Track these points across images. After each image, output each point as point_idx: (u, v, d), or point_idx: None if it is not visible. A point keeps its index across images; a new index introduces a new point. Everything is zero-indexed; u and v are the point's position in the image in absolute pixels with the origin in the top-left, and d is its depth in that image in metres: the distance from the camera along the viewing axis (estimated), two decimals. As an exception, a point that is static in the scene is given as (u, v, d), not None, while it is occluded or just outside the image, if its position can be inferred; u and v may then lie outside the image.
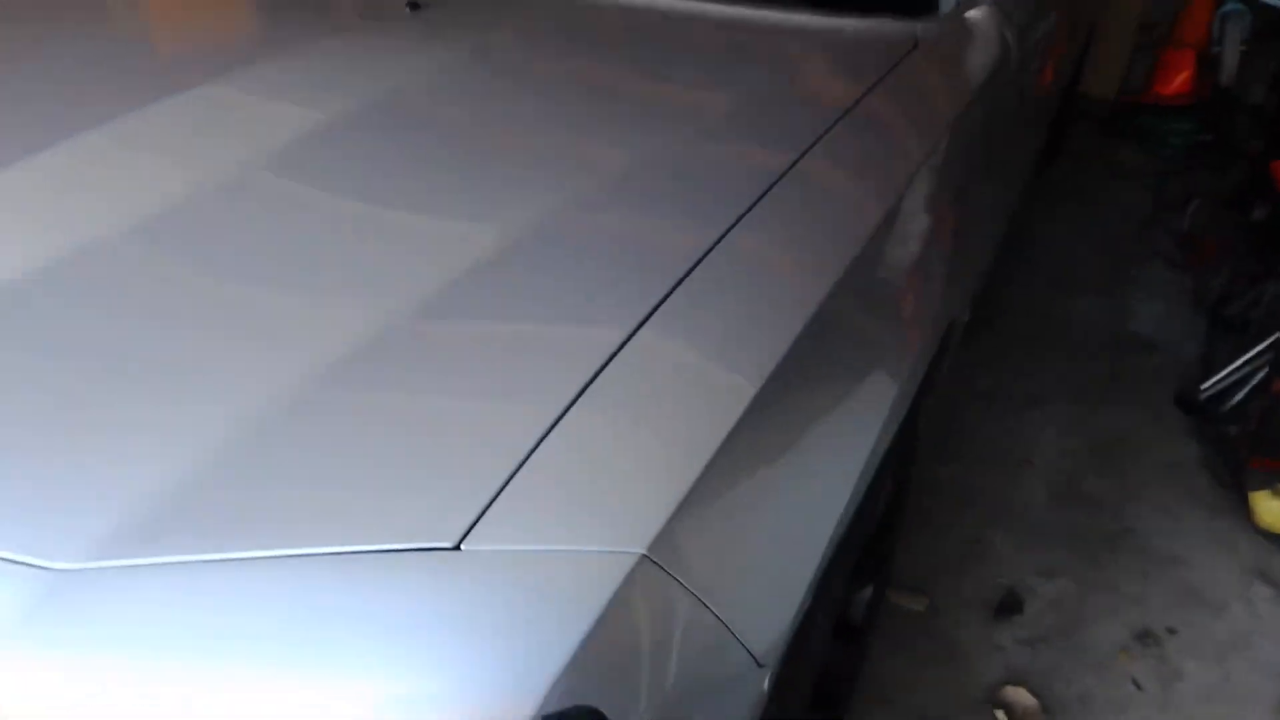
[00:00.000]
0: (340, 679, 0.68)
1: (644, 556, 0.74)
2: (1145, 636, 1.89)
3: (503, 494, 0.75)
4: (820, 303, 0.98)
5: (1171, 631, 1.91)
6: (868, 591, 1.60)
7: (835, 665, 1.50)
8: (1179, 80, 4.25)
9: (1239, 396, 2.38)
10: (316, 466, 0.76)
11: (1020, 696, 1.73)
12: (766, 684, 0.91)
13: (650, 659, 0.76)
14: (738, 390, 0.87)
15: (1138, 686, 1.80)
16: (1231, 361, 2.46)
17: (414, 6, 1.62)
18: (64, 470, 0.73)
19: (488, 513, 0.74)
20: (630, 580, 0.73)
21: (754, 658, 0.85)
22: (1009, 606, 1.94)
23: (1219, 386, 2.45)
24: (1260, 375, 2.33)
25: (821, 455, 0.95)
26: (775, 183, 1.13)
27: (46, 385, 0.80)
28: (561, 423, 0.80)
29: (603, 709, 0.72)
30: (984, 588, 1.98)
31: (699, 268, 0.97)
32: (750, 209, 1.08)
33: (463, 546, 0.72)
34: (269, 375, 0.80)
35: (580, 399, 0.82)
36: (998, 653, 1.84)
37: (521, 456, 0.77)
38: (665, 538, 0.76)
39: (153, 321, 0.86)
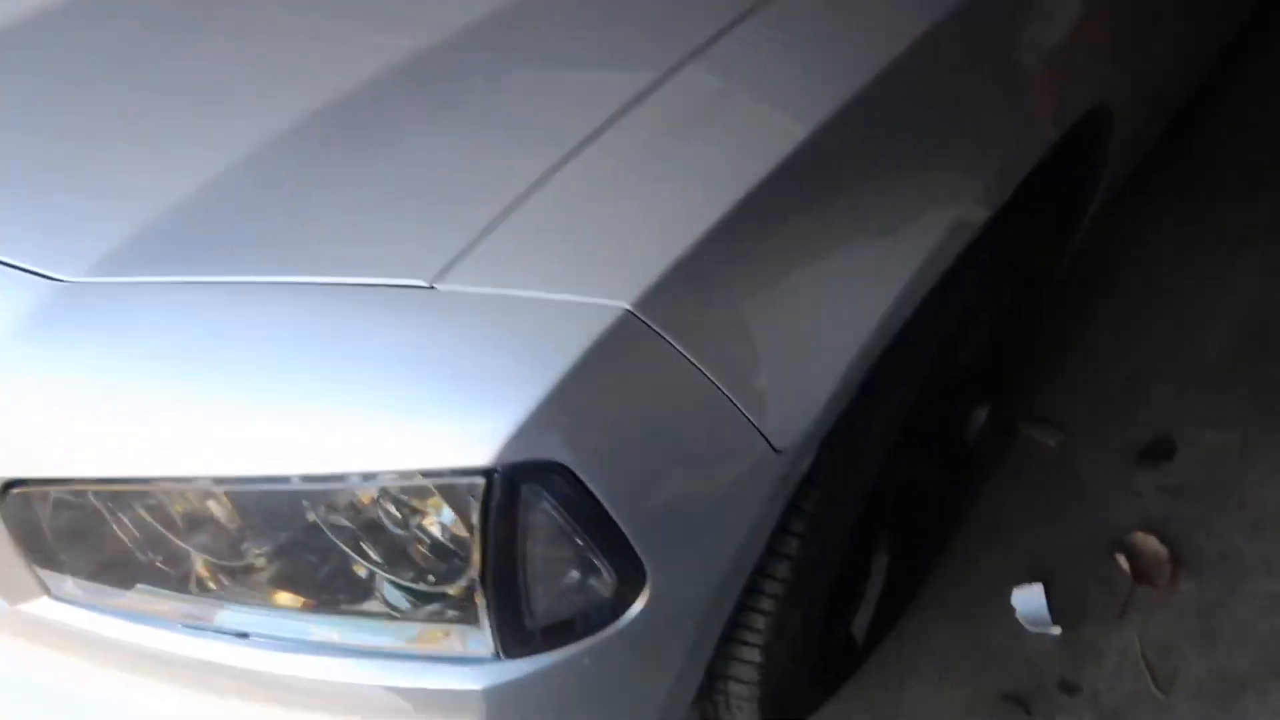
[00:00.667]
0: (309, 408, 0.68)
1: (629, 311, 0.70)
2: (1317, 499, 1.68)
3: (488, 235, 0.72)
4: (899, 54, 0.86)
5: (1351, 497, 1.69)
6: (981, 412, 1.49)
7: (929, 483, 1.42)
8: None
9: None
10: (310, 201, 0.75)
11: (1149, 544, 1.60)
12: (794, 472, 0.86)
13: (638, 424, 0.73)
14: (776, 141, 0.79)
15: (1294, 550, 1.61)
16: None
17: None
18: (72, 191, 0.76)
19: (470, 253, 0.71)
20: (612, 334, 0.69)
21: (768, 441, 0.80)
22: (1158, 452, 1.77)
23: None
24: None
25: (874, 232, 0.85)
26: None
27: (63, 113, 0.83)
28: (567, 165, 0.75)
29: (575, 468, 0.70)
30: (1133, 431, 1.81)
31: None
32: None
33: (438, 286, 0.70)
34: (271, 111, 0.79)
35: (593, 141, 0.76)
36: (1134, 498, 1.69)
37: (515, 198, 0.73)
38: (659, 294, 0.71)
39: (164, 58, 0.87)
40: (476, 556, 0.71)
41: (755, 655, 1.02)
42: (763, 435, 0.80)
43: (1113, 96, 1.22)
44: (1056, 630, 1.49)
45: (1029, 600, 1.52)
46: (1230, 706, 1.43)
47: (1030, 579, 1.57)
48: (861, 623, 1.33)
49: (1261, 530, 1.64)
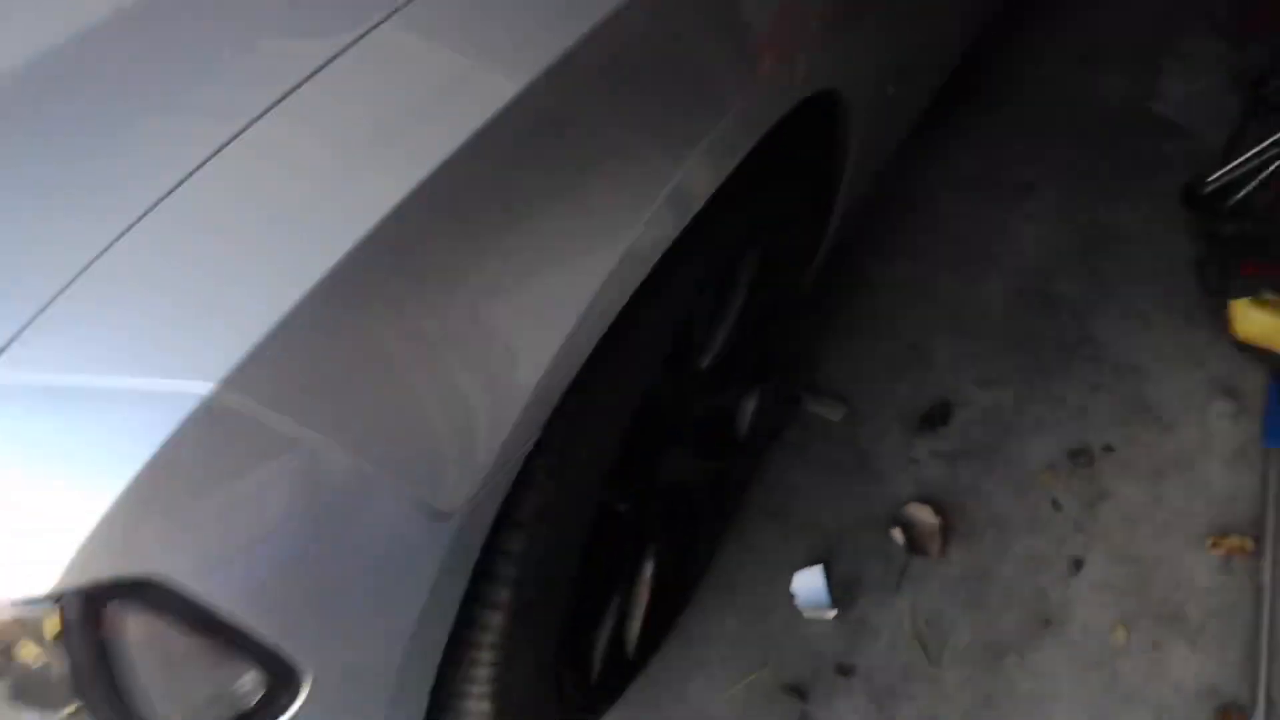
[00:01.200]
0: None
1: (216, 391, 0.61)
2: (1079, 454, 1.75)
3: (47, 311, 0.61)
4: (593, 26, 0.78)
5: (1109, 449, 1.76)
6: (749, 401, 1.47)
7: (698, 483, 1.39)
8: None
9: (1245, 191, 2.10)
10: None
11: (922, 514, 1.63)
12: (473, 527, 0.79)
13: (246, 512, 0.65)
14: (407, 164, 0.70)
15: (1056, 507, 1.68)
16: (1249, 149, 2.15)
17: None
18: None
19: (23, 334, 0.60)
20: (198, 421, 0.60)
21: (430, 505, 0.73)
22: (934, 417, 1.80)
23: (1227, 178, 2.16)
24: (1273, 168, 2.03)
25: (564, 232, 0.78)
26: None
27: None
28: (145, 219, 0.64)
29: (171, 576, 0.61)
30: (914, 397, 1.84)
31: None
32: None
33: (-12, 377, 0.59)
34: None
35: (182, 186, 0.66)
36: (912, 466, 1.72)
37: (83, 264, 0.62)
38: (258, 362, 0.62)
39: None
40: (69, 687, 0.62)
41: (485, 705, 0.97)
42: (421, 500, 0.73)
43: (844, 84, 1.18)
44: (832, 614, 1.51)
45: (808, 585, 1.53)
46: (995, 670, 1.48)
47: (812, 561, 1.58)
48: (631, 634, 1.30)
49: (1025, 490, 1.70)
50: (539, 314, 0.78)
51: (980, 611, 1.54)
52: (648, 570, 1.29)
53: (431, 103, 0.73)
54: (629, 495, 1.19)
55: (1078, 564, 1.60)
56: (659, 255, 0.88)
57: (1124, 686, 1.47)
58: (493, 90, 0.73)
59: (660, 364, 1.02)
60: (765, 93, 1.00)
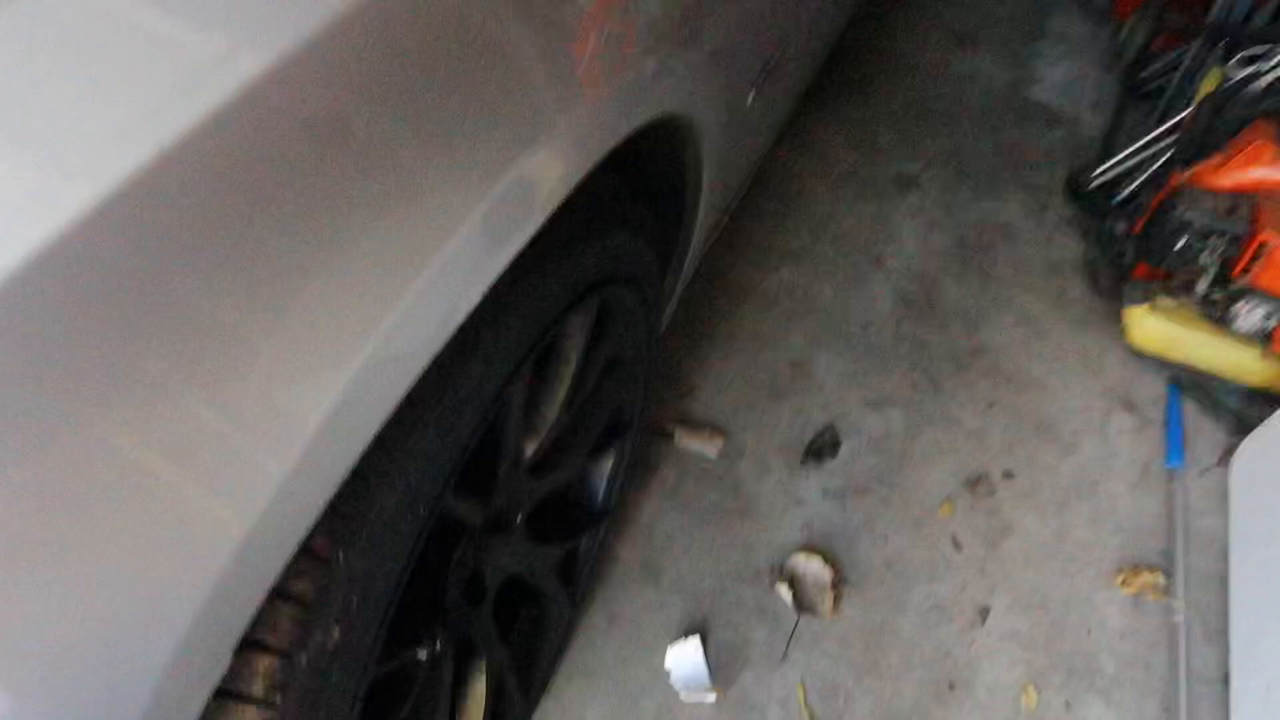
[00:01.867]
0: None
1: None
2: (978, 483, 1.59)
3: None
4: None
5: (1009, 476, 1.61)
6: (604, 466, 1.23)
7: (544, 563, 1.15)
8: None
9: (1132, 187, 1.98)
10: None
11: (811, 566, 1.43)
12: None
13: None
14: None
15: (957, 546, 1.51)
16: (1132, 142, 2.04)
17: None
18: None
19: None
20: None
21: None
22: (821, 448, 1.61)
23: (1114, 172, 2.04)
24: (1159, 163, 1.92)
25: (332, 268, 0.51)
26: None
27: None
28: None
29: None
30: (798, 425, 1.64)
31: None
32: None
33: None
34: None
35: None
36: (798, 508, 1.52)
37: None
38: None
39: None
40: None
41: None
42: None
43: (692, 106, 0.95)
44: (711, 698, 1.29)
45: (684, 661, 1.31)
46: (897, 748, 1.30)
47: (688, 630, 1.36)
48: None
49: (922, 528, 1.52)
50: (236, 445, 0.51)
51: (878, 679, 1.35)
52: (478, 687, 1.04)
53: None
54: (431, 635, 0.92)
55: (983, 613, 1.43)
56: (440, 342, 0.62)
57: (1038, 756, 1.31)
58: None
59: (446, 483, 0.76)
60: (591, 120, 0.75)
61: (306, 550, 0.61)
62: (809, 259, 1.94)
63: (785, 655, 1.35)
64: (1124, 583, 1.47)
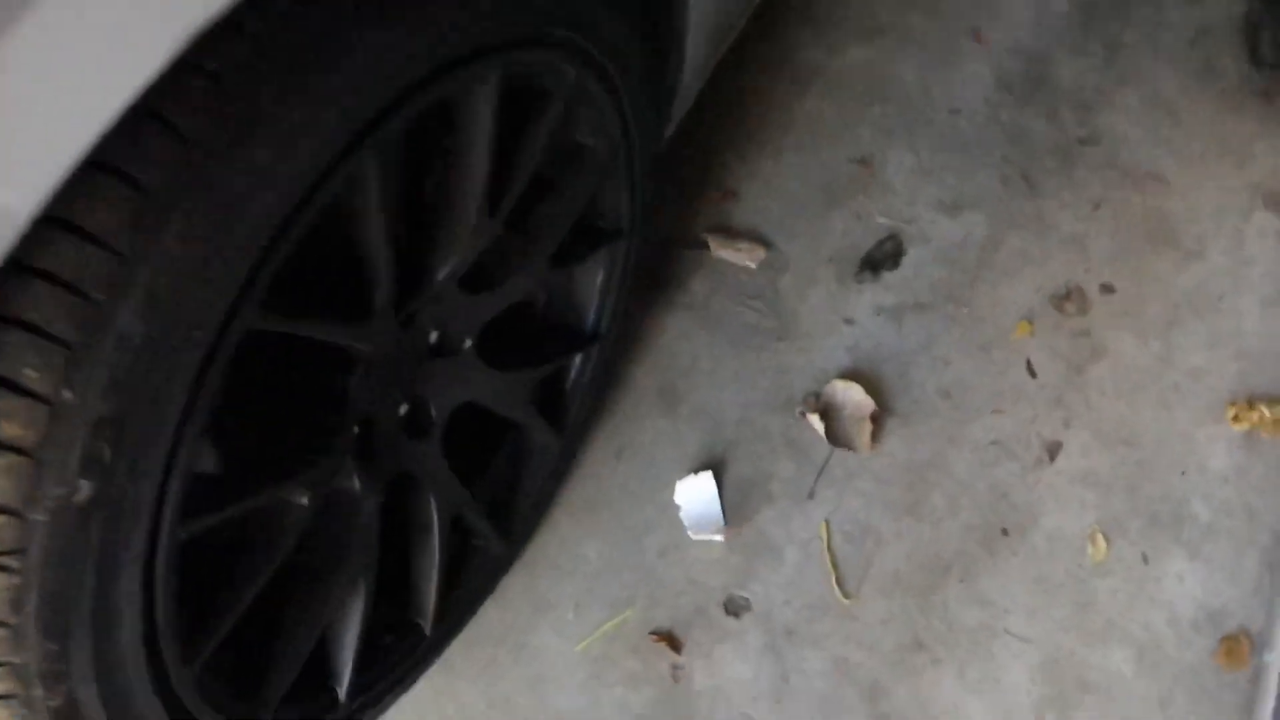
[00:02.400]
0: None
1: None
2: (1067, 298, 1.35)
3: None
4: None
5: (1108, 290, 1.35)
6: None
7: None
8: None
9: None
10: None
11: (851, 394, 1.26)
12: None
13: None
14: None
15: (1031, 373, 1.29)
16: None
17: None
18: None
19: None
20: None
21: None
22: (880, 259, 1.39)
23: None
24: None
25: None
26: None
27: None
28: None
29: None
30: (856, 233, 1.42)
31: None
32: None
33: None
34: None
35: None
36: (846, 328, 1.33)
37: None
38: None
39: None
40: None
41: None
42: None
43: None
44: (719, 537, 1.17)
45: (695, 495, 1.19)
46: (930, 600, 1.15)
47: (707, 461, 1.23)
48: (422, 605, 0.98)
49: (992, 350, 1.31)
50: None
51: (917, 521, 1.19)
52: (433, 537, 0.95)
53: None
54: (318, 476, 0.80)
55: (1053, 450, 1.23)
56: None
57: (1099, 616, 1.13)
58: None
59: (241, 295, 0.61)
60: None
61: (8, 384, 0.49)
62: (892, 34, 1.64)
63: (812, 493, 1.21)
64: (1236, 417, 1.23)
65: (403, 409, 0.91)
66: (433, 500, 0.95)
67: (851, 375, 1.28)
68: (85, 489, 0.53)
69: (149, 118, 0.51)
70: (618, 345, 1.21)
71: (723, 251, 1.40)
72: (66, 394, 0.51)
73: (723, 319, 1.35)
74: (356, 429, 0.84)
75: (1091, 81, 1.56)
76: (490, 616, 1.14)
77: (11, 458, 0.50)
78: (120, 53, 0.46)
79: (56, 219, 0.49)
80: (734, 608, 1.14)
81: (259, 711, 0.82)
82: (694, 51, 1.08)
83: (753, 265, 1.39)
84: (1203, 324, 1.32)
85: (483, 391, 0.98)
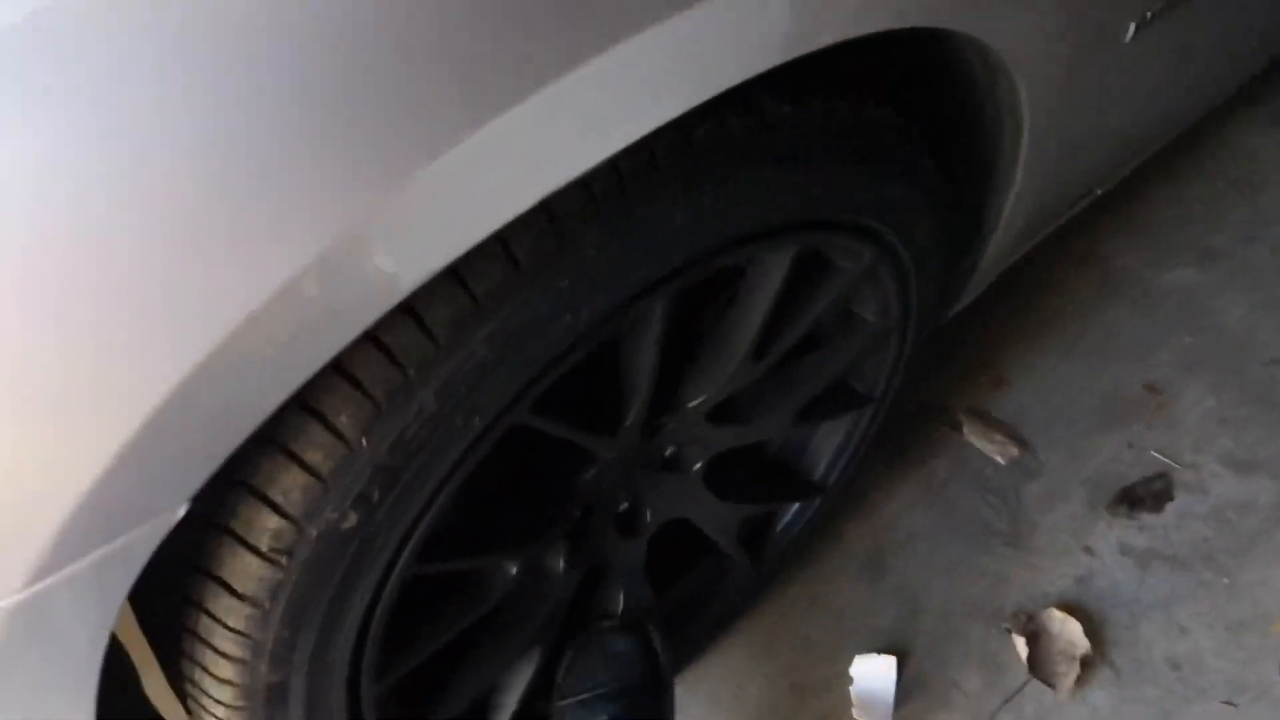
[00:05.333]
0: None
1: None
2: (1352, 607, 1.19)
3: None
4: None
5: (1405, 614, 1.18)
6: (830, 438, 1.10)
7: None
8: None
9: None
10: None
11: (1067, 628, 1.18)
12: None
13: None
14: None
15: (1283, 675, 1.15)
16: None
17: None
18: None
19: None
20: None
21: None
22: (1140, 497, 1.30)
23: None
24: None
25: None
26: None
27: None
28: None
29: None
30: (1124, 460, 1.34)
31: None
32: None
33: None
34: None
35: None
36: (1082, 556, 1.26)
37: None
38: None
39: None
40: None
41: None
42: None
43: (992, 29, 0.74)
44: (884, 725, 1.14)
45: (872, 675, 1.16)
46: None
47: (890, 645, 1.20)
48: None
49: (1242, 634, 1.18)
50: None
51: (1101, 790, 1.10)
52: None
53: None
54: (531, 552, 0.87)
55: (1284, 769, 1.09)
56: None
57: None
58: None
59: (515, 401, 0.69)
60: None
61: (325, 423, 0.60)
62: (1226, 263, 1.54)
63: (994, 717, 1.15)
64: None
65: (622, 506, 0.98)
66: (621, 596, 1.00)
67: (1074, 608, 1.20)
68: (352, 518, 0.63)
69: (495, 240, 0.60)
70: (838, 496, 1.22)
71: (976, 438, 1.37)
72: (364, 441, 0.61)
73: (955, 506, 1.32)
74: (577, 514, 0.92)
75: None
76: None
77: (309, 479, 0.61)
78: (506, 196, 0.56)
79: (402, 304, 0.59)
80: (876, 804, 1.11)
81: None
82: (996, 250, 1.08)
83: (1003, 461, 1.35)
84: None
85: (698, 512, 1.03)
